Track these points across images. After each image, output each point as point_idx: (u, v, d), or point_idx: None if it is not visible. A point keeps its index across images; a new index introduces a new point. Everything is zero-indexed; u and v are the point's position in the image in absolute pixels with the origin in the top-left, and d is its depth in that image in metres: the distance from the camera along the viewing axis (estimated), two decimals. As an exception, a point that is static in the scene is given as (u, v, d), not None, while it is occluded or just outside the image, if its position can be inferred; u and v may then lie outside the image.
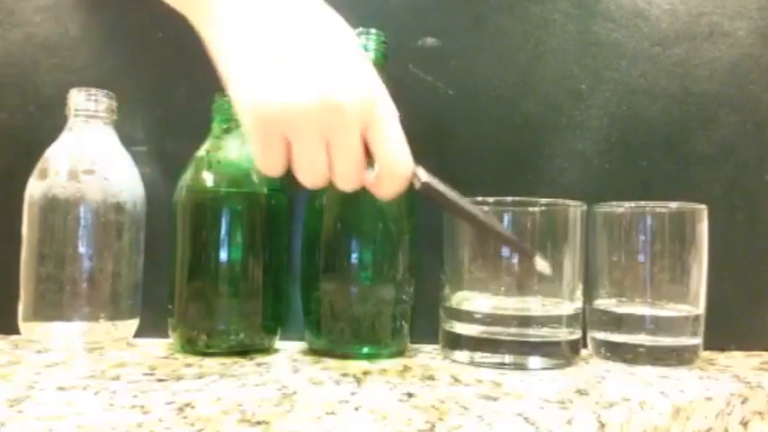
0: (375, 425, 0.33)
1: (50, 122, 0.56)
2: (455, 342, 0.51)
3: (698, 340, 0.52)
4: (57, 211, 0.52)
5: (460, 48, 0.61)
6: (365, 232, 0.51)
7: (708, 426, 0.42)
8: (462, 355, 0.50)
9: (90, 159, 0.53)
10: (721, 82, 0.60)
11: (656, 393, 0.42)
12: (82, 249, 0.52)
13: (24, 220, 0.53)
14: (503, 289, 0.50)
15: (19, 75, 0.60)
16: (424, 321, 0.54)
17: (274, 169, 0.41)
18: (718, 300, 0.54)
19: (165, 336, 0.53)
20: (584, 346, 0.53)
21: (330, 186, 0.43)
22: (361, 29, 0.54)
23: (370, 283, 0.51)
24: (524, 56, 0.61)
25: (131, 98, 0.59)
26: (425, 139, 0.60)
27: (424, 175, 0.43)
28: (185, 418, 0.34)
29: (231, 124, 0.54)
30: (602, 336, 0.53)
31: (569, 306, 0.50)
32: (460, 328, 0.50)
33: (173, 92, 0.60)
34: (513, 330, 0.48)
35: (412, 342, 0.55)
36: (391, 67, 0.55)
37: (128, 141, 0.57)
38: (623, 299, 0.53)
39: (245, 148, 0.54)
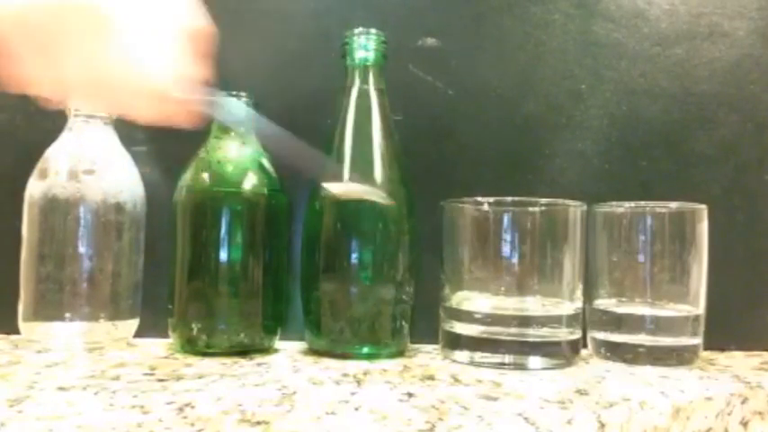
0: (375, 425, 0.33)
1: (50, 122, 0.56)
2: (455, 342, 0.51)
3: (698, 340, 0.52)
4: (57, 211, 0.52)
5: (460, 48, 0.61)
6: (365, 232, 0.51)
7: (708, 426, 0.42)
8: (462, 355, 0.50)
9: (90, 159, 0.53)
10: (721, 82, 0.60)
11: (656, 393, 0.42)
12: (82, 249, 0.52)
13: (24, 220, 0.53)
14: (503, 289, 0.50)
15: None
16: (424, 321, 0.54)
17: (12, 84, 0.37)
18: (718, 300, 0.54)
19: (165, 336, 0.53)
20: (585, 346, 0.53)
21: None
22: (361, 29, 0.54)
23: (370, 283, 0.51)
24: (524, 56, 0.61)
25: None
26: (425, 139, 0.60)
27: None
28: (185, 418, 0.34)
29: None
30: (602, 336, 0.53)
31: (569, 306, 0.50)
32: (460, 328, 0.50)
33: (173, 92, 0.60)
34: (513, 330, 0.48)
35: (412, 342, 0.55)
36: (391, 67, 0.55)
37: (128, 141, 0.57)
38: (623, 299, 0.53)
39: (245, 148, 0.54)
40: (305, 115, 0.60)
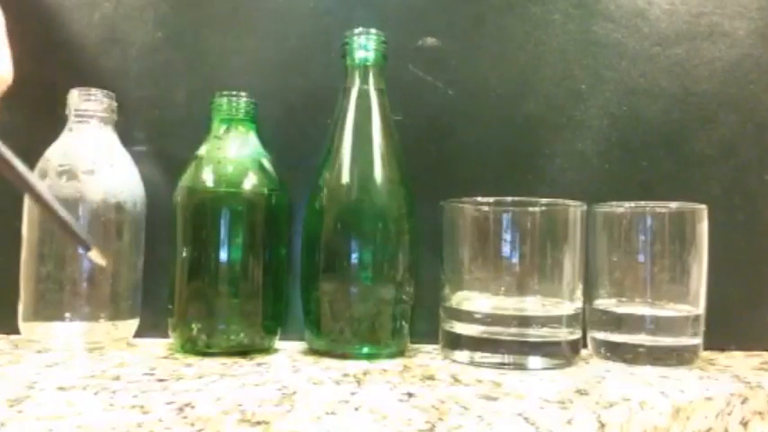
0: (375, 425, 0.33)
1: (50, 122, 0.56)
2: (455, 342, 0.51)
3: (698, 340, 0.52)
4: (57, 211, 0.52)
5: (460, 48, 0.61)
6: (365, 232, 0.51)
7: (708, 426, 0.42)
8: (462, 355, 0.50)
9: (90, 159, 0.53)
10: (721, 82, 0.60)
11: (656, 393, 0.42)
12: (82, 249, 0.52)
13: (24, 220, 0.53)
14: (503, 289, 0.50)
15: (19, 75, 0.59)
16: (424, 321, 0.54)
17: None
18: (718, 300, 0.54)
19: (165, 336, 0.53)
20: (585, 346, 0.53)
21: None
22: (361, 29, 0.54)
23: (370, 283, 0.51)
24: (524, 56, 0.61)
25: (131, 98, 0.59)
26: (425, 139, 0.60)
27: None
28: (185, 418, 0.34)
29: (231, 124, 0.54)
30: (602, 336, 0.53)
31: (569, 306, 0.50)
32: (460, 328, 0.50)
33: (173, 92, 0.60)
34: (513, 330, 0.48)
35: (412, 342, 0.55)
36: (391, 67, 0.55)
37: (128, 141, 0.57)
38: (623, 299, 0.53)
39: (245, 148, 0.54)
40: (305, 115, 0.60)
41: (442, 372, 0.47)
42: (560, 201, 0.51)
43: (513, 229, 0.49)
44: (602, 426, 0.36)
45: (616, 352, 0.52)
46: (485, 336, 0.49)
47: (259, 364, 0.48)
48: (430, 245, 0.53)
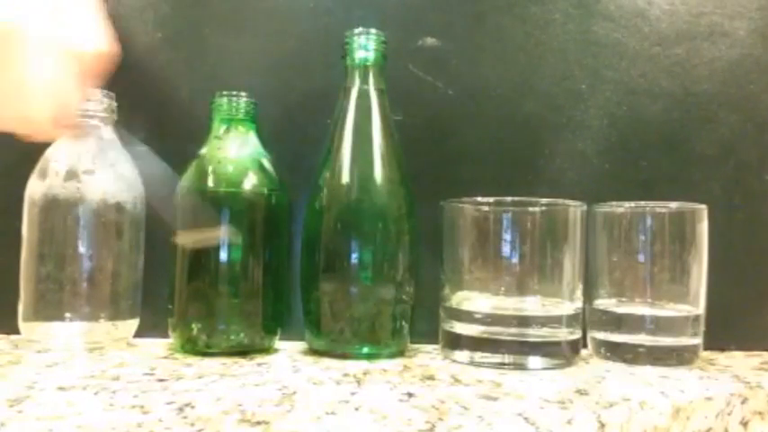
0: (375, 425, 0.33)
1: (50, 122, 0.56)
2: (455, 342, 0.51)
3: (698, 340, 0.52)
4: (57, 211, 0.52)
5: (460, 48, 0.61)
6: (365, 232, 0.51)
7: (708, 426, 0.42)
8: (462, 355, 0.50)
9: (90, 159, 0.53)
10: (721, 82, 0.60)
11: (656, 393, 0.42)
12: (82, 249, 0.52)
13: (24, 220, 0.53)
14: (503, 289, 0.50)
15: (19, 75, 0.60)
16: (424, 321, 0.54)
17: None
18: (718, 300, 0.54)
19: (165, 336, 0.53)
20: (585, 346, 0.53)
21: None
22: (361, 29, 0.54)
23: (370, 283, 0.51)
24: (524, 56, 0.61)
25: (131, 98, 0.59)
26: (425, 139, 0.60)
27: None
28: (185, 418, 0.34)
29: (231, 124, 0.54)
30: (602, 336, 0.53)
31: (569, 306, 0.50)
32: (460, 328, 0.50)
33: (173, 92, 0.60)
34: (512, 330, 0.48)
35: (412, 342, 0.55)
36: (391, 67, 0.55)
37: (128, 141, 0.57)
38: (623, 299, 0.53)
39: (245, 148, 0.54)
40: (305, 115, 0.60)
41: (442, 372, 0.47)
42: (560, 201, 0.51)
43: (513, 229, 0.49)
44: (602, 426, 0.36)
45: (616, 352, 0.52)
46: (485, 336, 0.49)
47: (259, 364, 0.48)
48: (430, 245, 0.53)
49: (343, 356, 0.51)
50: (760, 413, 0.44)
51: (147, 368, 0.45)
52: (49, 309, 0.52)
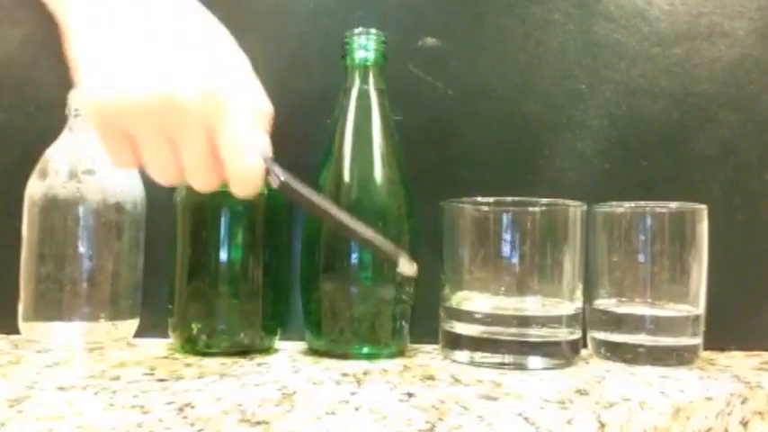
0: (375, 425, 0.33)
1: (50, 122, 0.56)
2: (455, 342, 0.51)
3: (698, 340, 0.52)
4: (57, 211, 0.52)
5: (460, 48, 0.61)
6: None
7: (708, 426, 0.42)
8: (462, 355, 0.50)
9: (90, 159, 0.53)
10: (721, 82, 0.60)
11: (656, 393, 0.42)
12: (82, 249, 0.52)
13: (24, 220, 0.53)
14: (503, 289, 0.50)
15: (19, 75, 0.60)
16: (424, 321, 0.54)
17: (123, 163, 0.39)
18: (718, 300, 0.54)
19: (165, 336, 0.53)
20: (585, 346, 0.53)
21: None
22: (361, 29, 0.54)
23: (370, 283, 0.51)
24: (524, 56, 0.61)
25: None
26: (425, 139, 0.60)
27: (281, 174, 0.41)
28: (185, 418, 0.34)
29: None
30: (602, 336, 0.53)
31: (569, 306, 0.50)
32: (460, 328, 0.50)
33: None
34: (513, 330, 0.48)
35: (412, 342, 0.55)
36: (391, 67, 0.55)
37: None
38: (623, 299, 0.53)
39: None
40: (305, 115, 0.60)
41: (442, 372, 0.47)
42: (560, 201, 0.51)
43: (513, 229, 0.49)
44: (602, 426, 0.36)
45: (616, 352, 0.52)
46: (485, 336, 0.49)
47: (259, 364, 0.48)
48: (430, 245, 0.53)
49: (344, 356, 0.51)
50: (760, 413, 0.44)
51: (147, 368, 0.45)
52: (49, 309, 0.52)
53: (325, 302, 0.51)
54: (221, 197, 0.51)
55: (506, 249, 0.49)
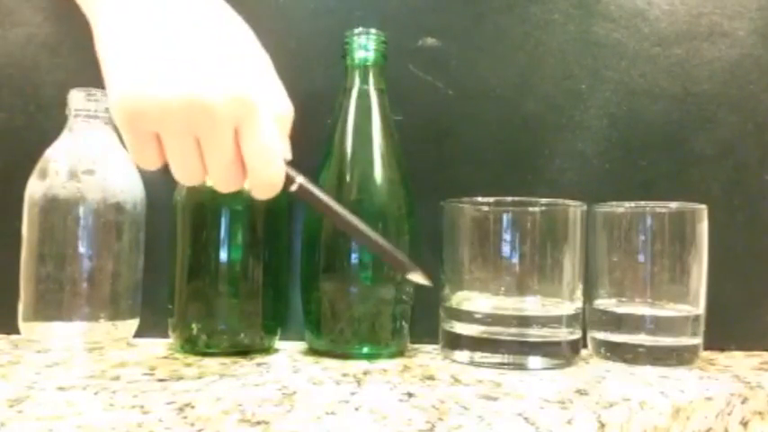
0: (375, 425, 0.33)
1: (50, 122, 0.56)
2: (455, 342, 0.51)
3: (698, 340, 0.52)
4: (57, 211, 0.52)
5: (460, 48, 0.61)
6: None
7: (708, 426, 0.42)
8: (462, 355, 0.50)
9: (90, 159, 0.53)
10: (721, 82, 0.60)
11: (656, 393, 0.42)
12: (82, 249, 0.52)
13: (24, 220, 0.53)
14: (503, 289, 0.50)
15: (19, 75, 0.60)
16: (424, 321, 0.54)
17: (148, 164, 0.39)
18: (718, 300, 0.54)
19: (165, 336, 0.53)
20: (585, 346, 0.53)
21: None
22: (361, 29, 0.54)
23: (370, 283, 0.51)
24: (524, 56, 0.61)
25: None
26: (425, 139, 0.60)
27: (299, 178, 0.42)
28: (185, 418, 0.34)
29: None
30: (602, 336, 0.53)
31: (569, 306, 0.50)
32: (460, 328, 0.50)
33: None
34: (512, 330, 0.48)
35: (412, 342, 0.55)
36: (391, 67, 0.55)
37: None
38: (623, 299, 0.53)
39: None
40: (305, 115, 0.60)
41: (442, 372, 0.47)
42: (560, 201, 0.51)
43: (513, 229, 0.49)
44: (602, 426, 0.36)
45: (616, 352, 0.52)
46: (485, 336, 0.49)
47: (259, 364, 0.48)
48: (430, 245, 0.53)
49: (344, 356, 0.51)
50: (760, 413, 0.44)
51: (147, 368, 0.45)
52: (49, 309, 0.52)
53: (326, 302, 0.51)
54: (221, 197, 0.51)
55: (506, 249, 0.49)
